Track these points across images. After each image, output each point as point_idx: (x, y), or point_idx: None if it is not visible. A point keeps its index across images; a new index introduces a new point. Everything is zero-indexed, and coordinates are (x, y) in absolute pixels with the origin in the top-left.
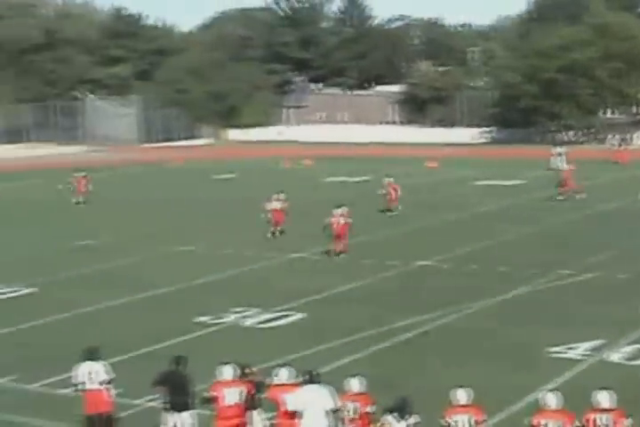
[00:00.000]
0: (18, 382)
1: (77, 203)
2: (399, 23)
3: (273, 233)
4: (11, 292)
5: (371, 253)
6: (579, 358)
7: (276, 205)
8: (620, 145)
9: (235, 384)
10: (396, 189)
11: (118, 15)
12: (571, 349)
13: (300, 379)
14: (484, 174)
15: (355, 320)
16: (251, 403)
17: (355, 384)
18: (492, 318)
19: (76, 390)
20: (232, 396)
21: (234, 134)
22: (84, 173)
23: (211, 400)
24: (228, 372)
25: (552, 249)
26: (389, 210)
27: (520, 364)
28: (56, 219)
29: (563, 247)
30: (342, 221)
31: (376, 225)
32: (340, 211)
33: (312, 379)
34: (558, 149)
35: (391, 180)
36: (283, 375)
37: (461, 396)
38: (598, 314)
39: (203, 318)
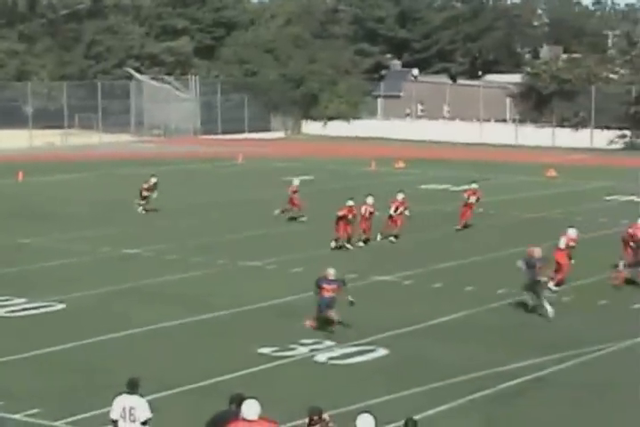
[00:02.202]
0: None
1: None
2: None
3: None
4: (41, 307)
5: (473, 279)
6: None
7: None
8: None
9: (257, 425)
10: (479, 198)
11: None
12: None
13: None
14: (621, 188)
15: (450, 360)
16: None
17: None
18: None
19: None
20: None
21: (312, 128)
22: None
23: None
24: (252, 409)
25: None
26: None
27: None
28: (105, 224)
29: None
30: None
31: (487, 244)
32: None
33: None
34: None
35: (476, 186)
36: (364, 425)
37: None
38: None
39: (267, 350)
